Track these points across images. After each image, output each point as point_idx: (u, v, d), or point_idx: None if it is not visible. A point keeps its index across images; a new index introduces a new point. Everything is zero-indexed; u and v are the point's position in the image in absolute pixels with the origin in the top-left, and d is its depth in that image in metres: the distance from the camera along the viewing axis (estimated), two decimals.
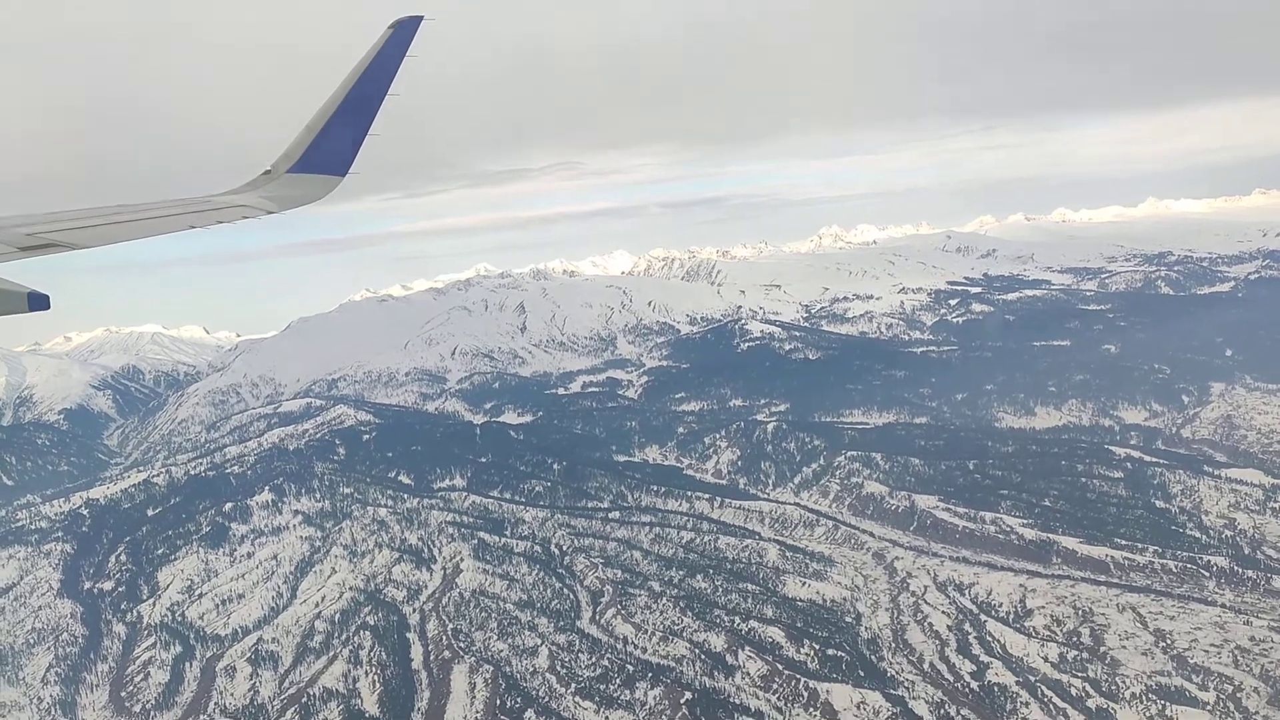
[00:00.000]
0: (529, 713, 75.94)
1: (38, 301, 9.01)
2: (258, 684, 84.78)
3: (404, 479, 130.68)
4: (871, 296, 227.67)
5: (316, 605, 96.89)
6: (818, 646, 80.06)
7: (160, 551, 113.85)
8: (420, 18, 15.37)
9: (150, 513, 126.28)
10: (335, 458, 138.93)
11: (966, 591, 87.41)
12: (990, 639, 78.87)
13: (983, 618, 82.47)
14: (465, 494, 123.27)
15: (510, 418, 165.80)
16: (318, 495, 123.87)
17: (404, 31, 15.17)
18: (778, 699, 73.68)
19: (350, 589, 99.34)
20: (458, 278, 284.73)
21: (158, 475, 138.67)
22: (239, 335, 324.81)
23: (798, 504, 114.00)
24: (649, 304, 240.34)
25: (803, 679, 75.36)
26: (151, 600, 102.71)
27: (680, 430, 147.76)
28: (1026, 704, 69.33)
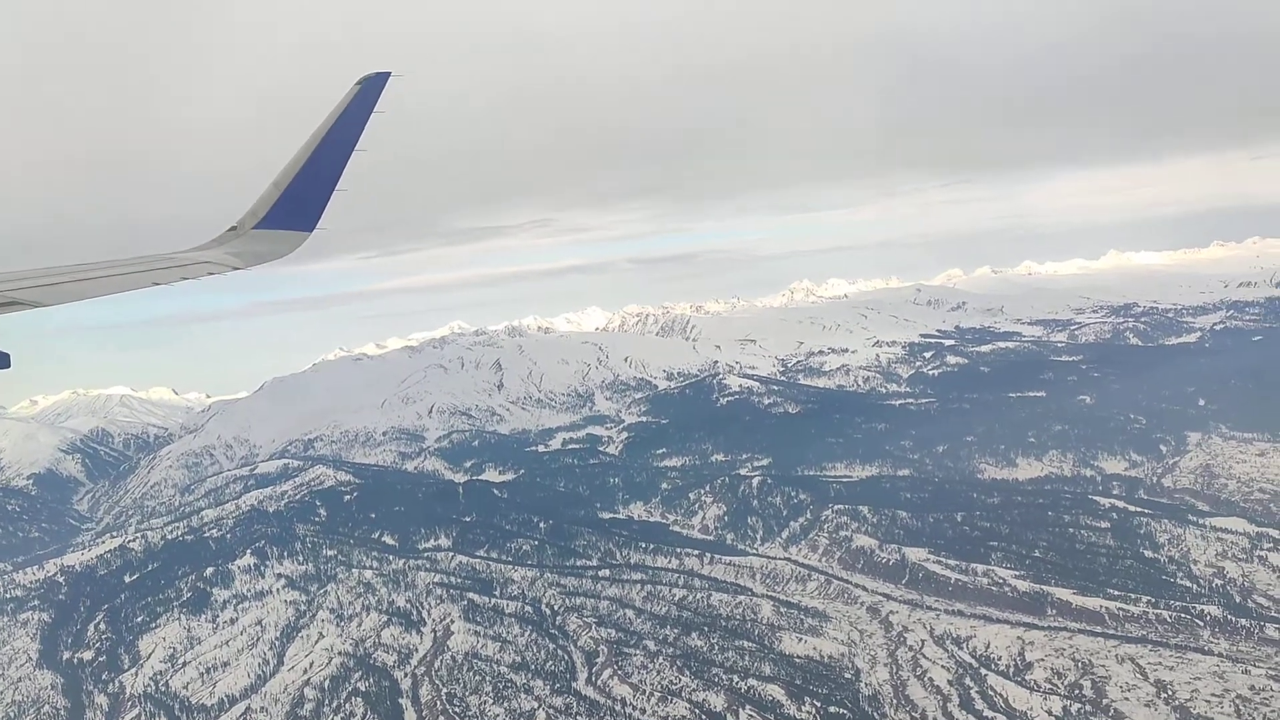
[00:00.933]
0: None
1: None
2: None
3: (388, 540, 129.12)
4: (846, 350, 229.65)
5: (305, 671, 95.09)
6: (819, 704, 79.59)
7: (140, 619, 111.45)
8: (388, 74, 15.32)
9: (128, 579, 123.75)
10: (316, 519, 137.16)
11: (964, 645, 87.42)
12: (992, 693, 78.81)
13: (983, 671, 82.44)
14: (451, 554, 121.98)
15: (492, 476, 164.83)
16: (300, 558, 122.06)
17: (371, 88, 15.14)
18: None
19: (339, 654, 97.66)
20: (432, 335, 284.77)
21: (133, 540, 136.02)
22: (209, 396, 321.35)
23: (788, 559, 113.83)
24: (625, 359, 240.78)
25: None
26: (134, 670, 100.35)
27: (664, 486, 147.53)
28: None
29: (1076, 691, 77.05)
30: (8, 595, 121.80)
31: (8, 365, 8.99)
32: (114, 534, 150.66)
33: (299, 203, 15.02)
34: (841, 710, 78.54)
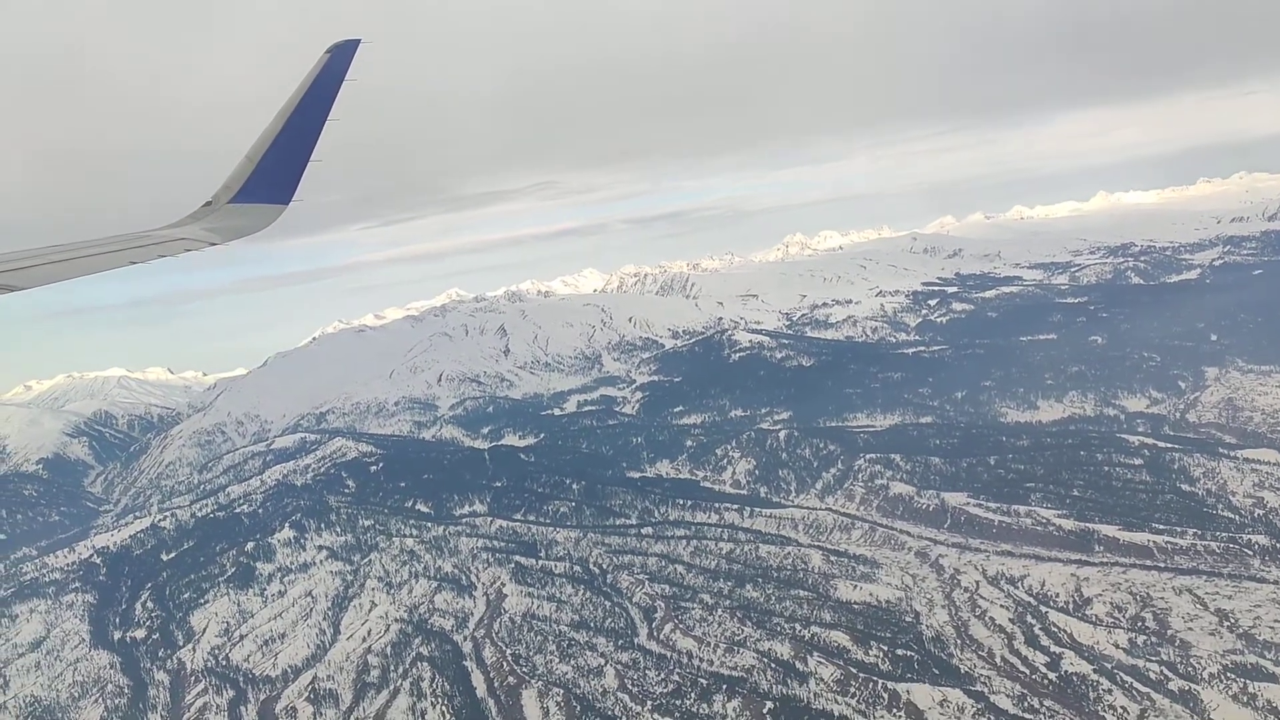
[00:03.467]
0: None
1: None
2: None
3: (422, 508, 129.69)
4: (850, 301, 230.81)
5: (364, 640, 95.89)
6: (885, 648, 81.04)
7: (186, 596, 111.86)
8: (357, 41, 15.11)
9: (165, 557, 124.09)
10: (346, 491, 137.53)
11: (1019, 584, 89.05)
12: (1056, 629, 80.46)
13: (1042, 609, 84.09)
14: (489, 519, 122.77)
15: (513, 441, 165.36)
16: (338, 529, 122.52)
17: (341, 56, 14.90)
18: (858, 702, 74.46)
19: (395, 621, 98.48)
20: (432, 304, 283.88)
21: (162, 519, 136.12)
22: (205, 374, 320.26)
23: (827, 509, 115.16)
24: (629, 320, 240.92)
25: (879, 680, 76.26)
26: (190, 645, 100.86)
27: (688, 444, 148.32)
28: (1109, 691, 70.84)
29: (1139, 624, 78.82)
30: (46, 579, 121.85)
31: None
32: (137, 514, 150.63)
33: (273, 175, 14.80)
34: (908, 652, 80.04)
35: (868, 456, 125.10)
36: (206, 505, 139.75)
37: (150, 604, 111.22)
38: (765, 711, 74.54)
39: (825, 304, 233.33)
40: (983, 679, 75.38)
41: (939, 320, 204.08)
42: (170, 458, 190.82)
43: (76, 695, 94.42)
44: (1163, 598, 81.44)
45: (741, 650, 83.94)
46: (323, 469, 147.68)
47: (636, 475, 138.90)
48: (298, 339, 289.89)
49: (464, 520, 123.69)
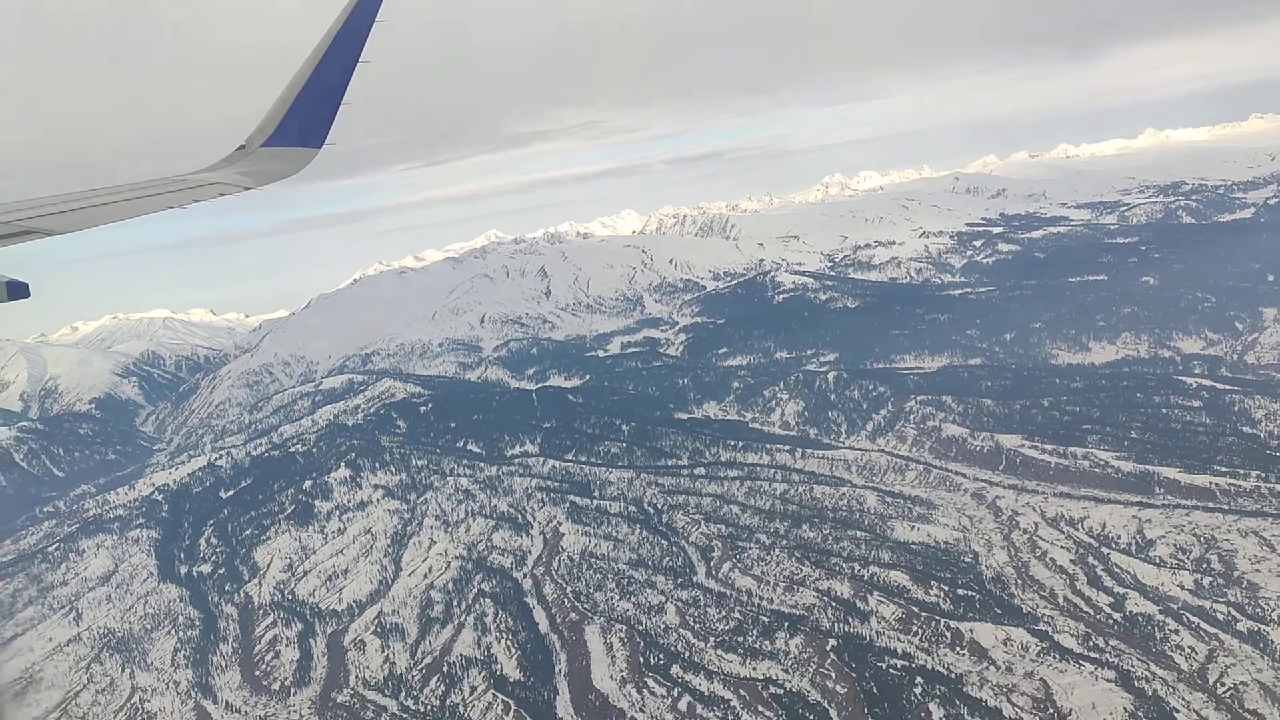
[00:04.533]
0: (675, 668, 77.16)
1: (17, 290, 8.79)
2: (391, 656, 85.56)
3: (473, 448, 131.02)
4: (893, 242, 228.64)
5: (425, 576, 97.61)
6: (946, 588, 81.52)
7: (249, 532, 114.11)
8: None
9: (223, 495, 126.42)
10: (397, 431, 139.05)
11: (1079, 526, 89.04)
12: (1119, 570, 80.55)
13: (1104, 550, 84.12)
14: (541, 459, 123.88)
15: (559, 382, 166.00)
16: (393, 469, 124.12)
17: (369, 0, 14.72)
18: (921, 640, 75.14)
19: (455, 558, 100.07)
20: (471, 246, 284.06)
21: (218, 458, 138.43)
22: (247, 316, 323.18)
23: (880, 450, 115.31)
24: (670, 261, 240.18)
25: (941, 619, 76.86)
26: (256, 580, 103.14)
27: (735, 385, 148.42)
28: (1176, 631, 71.04)
29: (1204, 566, 78.74)
30: (109, 515, 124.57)
31: (27, 295, 8.77)
32: (192, 453, 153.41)
33: (306, 118, 14.80)
34: (969, 592, 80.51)
35: (918, 398, 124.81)
36: (260, 445, 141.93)
37: (214, 540, 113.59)
38: (829, 649, 75.42)
39: (867, 245, 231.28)
40: (1046, 619, 75.75)
41: (985, 261, 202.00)
42: (220, 398, 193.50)
43: (149, 627, 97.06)
44: (1228, 539, 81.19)
45: (801, 589, 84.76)
46: (372, 409, 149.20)
47: (685, 416, 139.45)
48: (338, 281, 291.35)
49: (516, 460, 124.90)
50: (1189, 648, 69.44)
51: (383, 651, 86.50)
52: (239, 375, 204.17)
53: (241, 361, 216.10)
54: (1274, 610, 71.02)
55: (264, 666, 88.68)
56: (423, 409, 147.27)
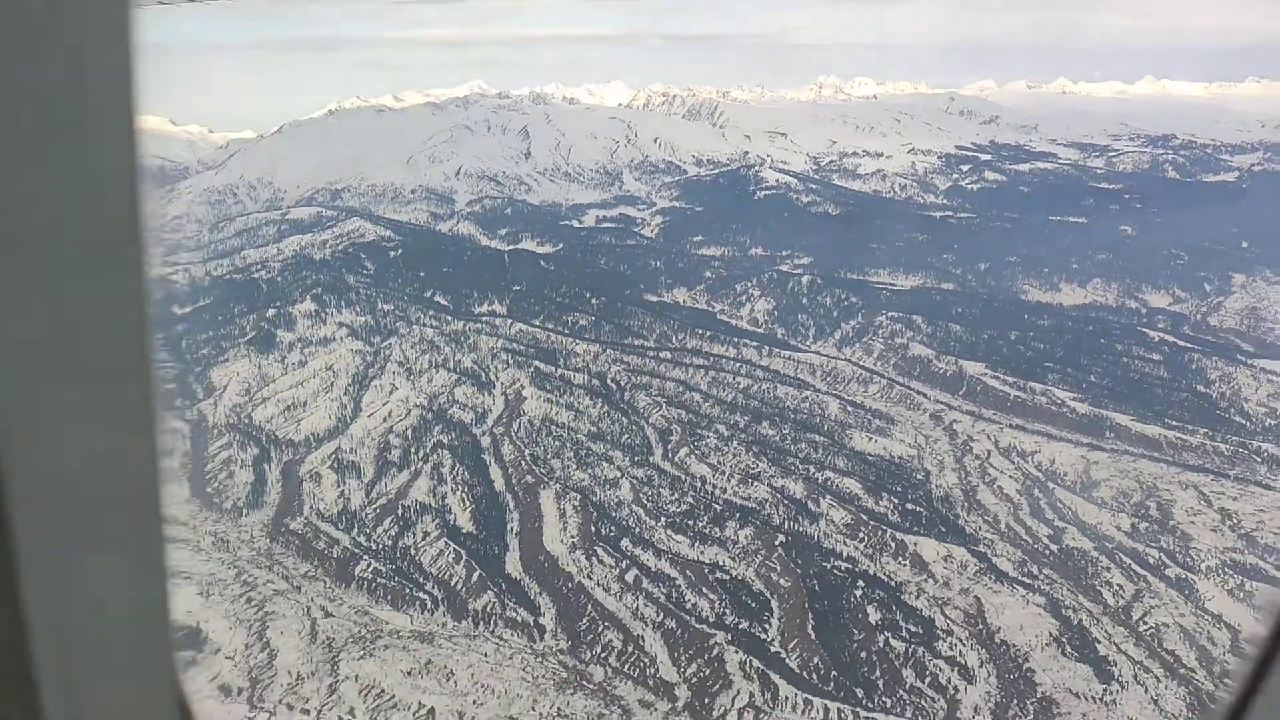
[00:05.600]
0: (625, 541, 78.94)
1: None
2: (346, 492, 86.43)
3: (441, 300, 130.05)
4: (881, 154, 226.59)
5: (385, 420, 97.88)
6: (895, 500, 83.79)
7: (205, 352, 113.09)
8: None
9: (178, 310, 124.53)
10: (365, 272, 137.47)
11: (1029, 459, 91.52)
12: (1061, 505, 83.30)
13: (1050, 485, 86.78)
14: (509, 321, 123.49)
15: (531, 246, 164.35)
16: (358, 309, 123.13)
17: None
18: (866, 547, 77.53)
19: (415, 406, 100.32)
20: (454, 94, 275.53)
21: (174, 273, 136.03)
22: (210, 131, 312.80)
23: (846, 360, 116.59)
24: (654, 140, 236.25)
25: (887, 530, 79.23)
26: (211, 400, 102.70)
27: (707, 275, 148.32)
28: (1108, 569, 74.05)
29: (1143, 511, 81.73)
30: None
31: None
32: None
33: None
34: (917, 508, 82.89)
35: (888, 314, 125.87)
36: (221, 266, 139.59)
37: (166, 355, 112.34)
38: (777, 543, 77.55)
39: (855, 153, 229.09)
40: (986, 542, 78.45)
41: (969, 187, 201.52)
42: (177, 211, 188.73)
43: None
44: (1169, 490, 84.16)
45: (755, 483, 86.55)
46: (340, 246, 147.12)
47: (654, 299, 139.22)
48: (311, 109, 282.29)
49: (483, 319, 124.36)
50: (1118, 585, 72.56)
51: (338, 487, 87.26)
52: (200, 192, 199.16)
53: (204, 178, 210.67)
54: (1203, 561, 74.28)
55: (216, 485, 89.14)
56: (392, 253, 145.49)
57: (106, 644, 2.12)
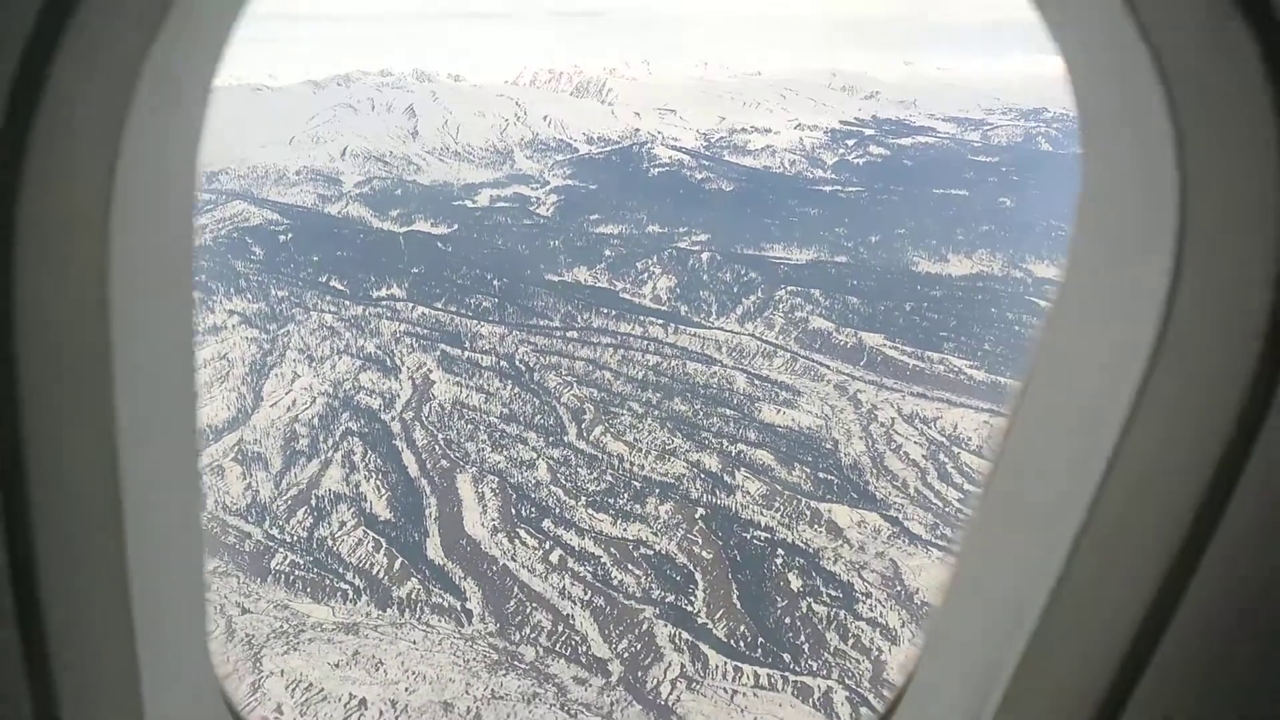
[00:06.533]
0: (546, 522, 78.94)
1: None
2: (254, 484, 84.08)
3: (337, 285, 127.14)
4: (769, 130, 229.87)
5: (289, 409, 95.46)
6: (807, 470, 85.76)
7: None
8: None
9: None
10: (253, 257, 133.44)
11: (933, 425, 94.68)
12: (967, 469, 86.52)
13: (954, 449, 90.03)
14: (410, 304, 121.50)
15: (425, 227, 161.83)
16: (250, 296, 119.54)
17: None
18: (783, 516, 79.21)
19: (320, 394, 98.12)
20: (335, 71, 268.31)
21: None
22: None
23: (749, 334, 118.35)
24: (544, 119, 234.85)
25: (802, 499, 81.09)
26: None
27: (607, 253, 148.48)
28: None
29: None
30: None
31: None
32: None
33: None
34: (829, 476, 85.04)
35: (787, 288, 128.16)
36: None
37: None
38: (697, 516, 78.63)
39: (744, 129, 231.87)
40: (897, 506, 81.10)
41: (856, 161, 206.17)
42: None
43: None
44: None
45: (672, 459, 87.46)
46: (223, 231, 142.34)
47: (555, 279, 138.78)
48: None
49: (383, 303, 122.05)
50: None
51: (245, 479, 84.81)
52: None
53: None
54: None
55: None
56: (281, 237, 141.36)
57: (159, 649, 2.29)
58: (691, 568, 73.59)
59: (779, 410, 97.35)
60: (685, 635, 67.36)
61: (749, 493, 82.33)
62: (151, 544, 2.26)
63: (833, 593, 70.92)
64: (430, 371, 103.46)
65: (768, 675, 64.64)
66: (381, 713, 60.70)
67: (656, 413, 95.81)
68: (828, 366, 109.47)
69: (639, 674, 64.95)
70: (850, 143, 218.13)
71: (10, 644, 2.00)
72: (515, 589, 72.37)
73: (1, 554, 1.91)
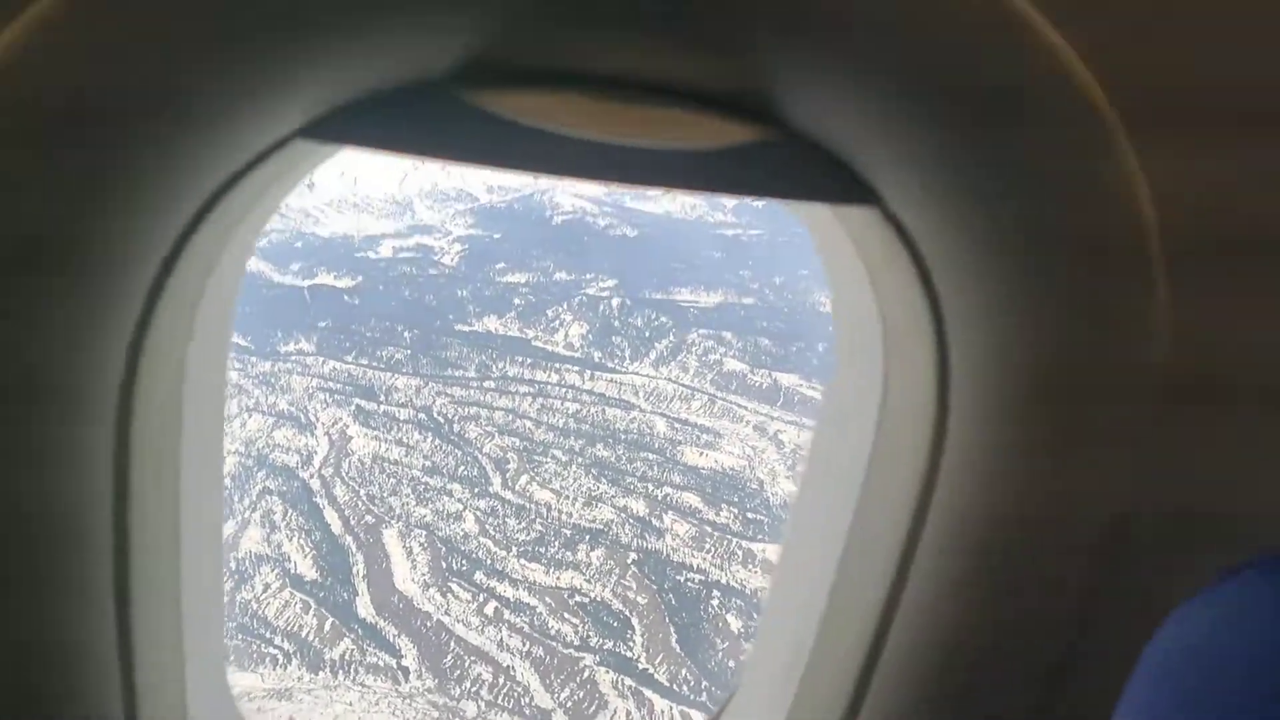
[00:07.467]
0: (478, 574, 77.87)
1: None
2: None
3: (241, 341, 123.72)
4: None
5: None
6: (735, 510, 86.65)
7: None
8: None
9: None
10: None
11: None
12: None
13: None
14: (320, 359, 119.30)
15: (329, 280, 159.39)
16: None
17: None
18: (715, 557, 79.76)
19: (232, 453, 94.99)
20: None
21: None
22: None
23: (665, 378, 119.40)
24: (442, 168, 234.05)
25: (733, 539, 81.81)
26: None
27: (516, 301, 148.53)
28: None
29: None
30: None
31: None
32: None
33: None
34: (758, 516, 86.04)
35: (699, 331, 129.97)
36: None
37: None
38: (629, 561, 78.60)
39: None
40: None
41: (755, 205, 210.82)
42: None
43: None
44: None
45: (599, 505, 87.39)
46: None
47: (466, 329, 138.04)
48: None
49: (292, 358, 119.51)
50: None
51: None
52: None
53: None
54: None
55: None
56: None
57: (163, 648, 2.63)
58: (628, 613, 73.43)
59: (701, 452, 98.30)
60: (628, 681, 67.08)
61: (678, 535, 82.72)
62: (196, 550, 2.65)
63: None
64: (346, 426, 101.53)
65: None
66: None
67: (580, 459, 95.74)
68: (745, 408, 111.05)
69: None
70: None
71: (109, 646, 2.21)
72: (451, 643, 71.08)
73: (109, 557, 2.12)
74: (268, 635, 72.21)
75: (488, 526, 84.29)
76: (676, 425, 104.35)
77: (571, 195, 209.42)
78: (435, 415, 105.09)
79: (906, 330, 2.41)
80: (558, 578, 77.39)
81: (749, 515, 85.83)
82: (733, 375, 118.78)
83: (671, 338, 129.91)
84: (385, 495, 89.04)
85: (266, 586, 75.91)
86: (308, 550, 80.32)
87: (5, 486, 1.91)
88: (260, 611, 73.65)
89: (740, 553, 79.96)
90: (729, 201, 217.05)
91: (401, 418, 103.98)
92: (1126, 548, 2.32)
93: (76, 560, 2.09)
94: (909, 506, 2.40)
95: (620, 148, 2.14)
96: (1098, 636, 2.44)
